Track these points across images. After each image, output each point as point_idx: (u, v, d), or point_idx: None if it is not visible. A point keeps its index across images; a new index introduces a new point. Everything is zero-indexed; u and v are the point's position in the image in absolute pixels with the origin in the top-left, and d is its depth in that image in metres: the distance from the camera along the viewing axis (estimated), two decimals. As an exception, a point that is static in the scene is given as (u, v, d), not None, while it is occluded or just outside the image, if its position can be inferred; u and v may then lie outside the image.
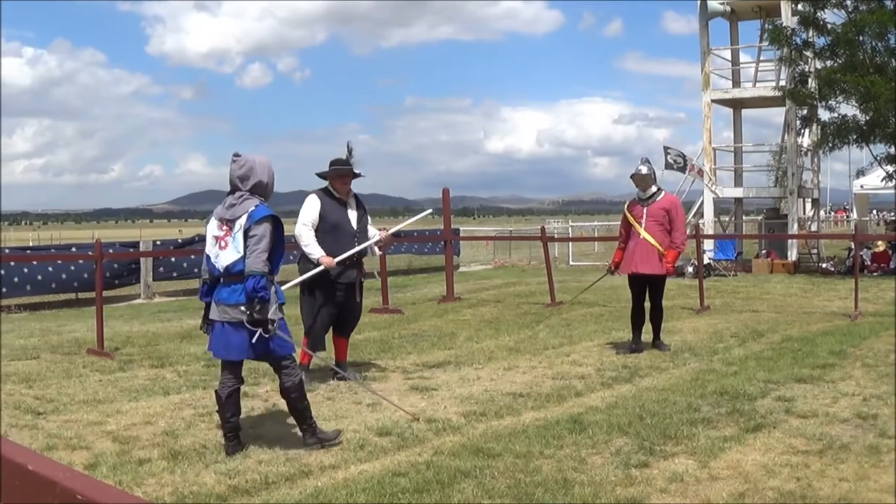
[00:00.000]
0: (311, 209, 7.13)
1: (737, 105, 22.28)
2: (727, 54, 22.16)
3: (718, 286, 15.31)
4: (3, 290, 13.73)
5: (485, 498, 4.28)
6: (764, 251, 20.31)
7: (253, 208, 5.04)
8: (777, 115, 22.23)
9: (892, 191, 19.53)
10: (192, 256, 16.19)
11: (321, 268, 6.86)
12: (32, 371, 7.82)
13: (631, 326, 8.69)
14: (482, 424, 5.75)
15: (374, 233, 7.45)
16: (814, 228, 22.45)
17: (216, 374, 7.49)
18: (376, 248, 7.65)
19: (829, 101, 18.38)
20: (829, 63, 18.49)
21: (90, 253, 11.10)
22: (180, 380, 7.40)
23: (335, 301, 7.13)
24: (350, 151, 7.27)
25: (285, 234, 5.24)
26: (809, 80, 18.90)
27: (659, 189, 8.73)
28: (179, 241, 18.80)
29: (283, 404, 6.25)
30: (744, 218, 23.94)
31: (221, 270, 5.06)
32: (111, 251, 14.48)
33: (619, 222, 9.03)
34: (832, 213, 42.45)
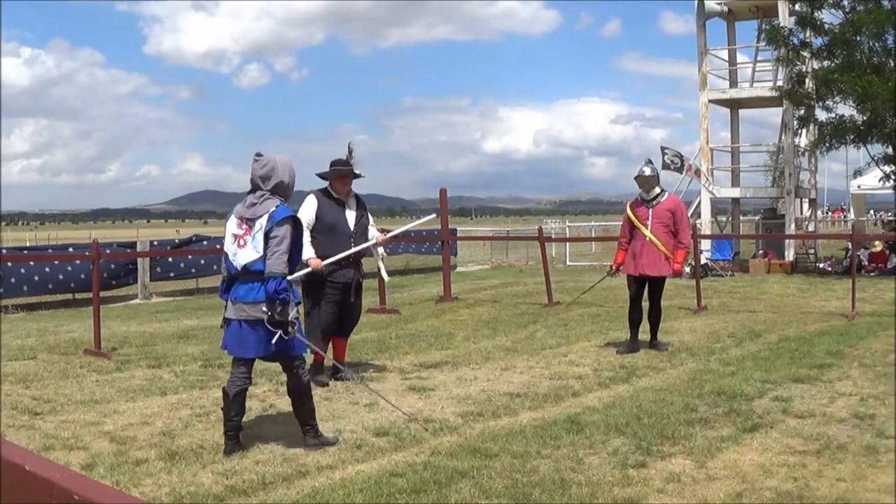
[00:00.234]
0: (307, 209, 7.14)
1: (734, 105, 22.31)
2: (724, 54, 22.19)
3: (716, 286, 15.33)
4: (1, 290, 13.71)
5: (482, 498, 4.28)
6: (761, 251, 20.33)
7: (274, 209, 5.06)
8: (774, 115, 22.30)
9: (890, 191, 19.55)
10: (190, 257, 16.20)
11: (309, 269, 6.85)
12: (30, 371, 7.81)
13: (629, 326, 8.70)
14: (479, 425, 5.75)
15: (374, 234, 7.45)
16: (811, 228, 22.48)
17: (213, 375, 7.51)
18: (381, 250, 7.64)
19: (827, 102, 18.39)
20: (826, 63, 18.50)
21: (87, 253, 11.08)
22: (177, 380, 7.39)
23: (331, 301, 7.13)
24: (350, 152, 7.28)
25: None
26: (807, 80, 18.90)
27: (662, 190, 8.73)
28: (177, 241, 18.77)
29: (280, 405, 6.26)
30: (741, 218, 23.96)
31: (239, 268, 5.08)
32: (108, 251, 14.46)
33: (620, 223, 9.01)
34: (829, 214, 42.49)
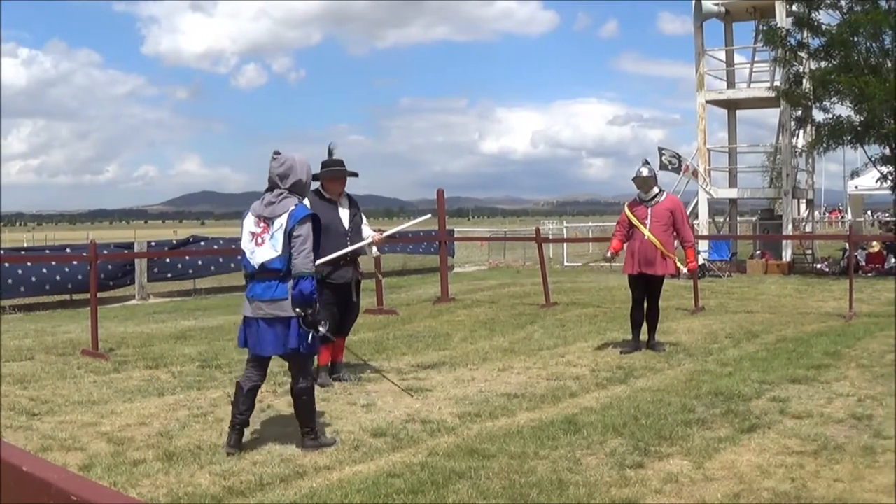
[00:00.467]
0: None
1: (731, 106, 22.34)
2: (722, 55, 22.22)
3: (713, 287, 15.35)
4: (-1, 291, 13.71)
5: (479, 499, 4.28)
6: (758, 252, 20.35)
7: (293, 207, 5.08)
8: (772, 115, 22.33)
9: (887, 191, 19.57)
10: (187, 258, 16.18)
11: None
12: (27, 372, 7.80)
13: (630, 325, 8.72)
14: (477, 425, 5.75)
15: (369, 233, 7.44)
16: (808, 229, 22.52)
17: (211, 376, 7.52)
18: (374, 249, 7.65)
19: (824, 102, 18.42)
20: (823, 64, 18.52)
21: (85, 254, 11.07)
22: (175, 381, 7.38)
23: (331, 302, 7.12)
24: (331, 153, 7.26)
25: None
26: (804, 80, 18.93)
27: (661, 190, 8.75)
28: (174, 241, 18.75)
29: (278, 406, 6.27)
30: (738, 219, 23.99)
31: (256, 267, 5.10)
32: (106, 252, 14.45)
33: (617, 221, 9.02)
34: (826, 214, 42.55)
